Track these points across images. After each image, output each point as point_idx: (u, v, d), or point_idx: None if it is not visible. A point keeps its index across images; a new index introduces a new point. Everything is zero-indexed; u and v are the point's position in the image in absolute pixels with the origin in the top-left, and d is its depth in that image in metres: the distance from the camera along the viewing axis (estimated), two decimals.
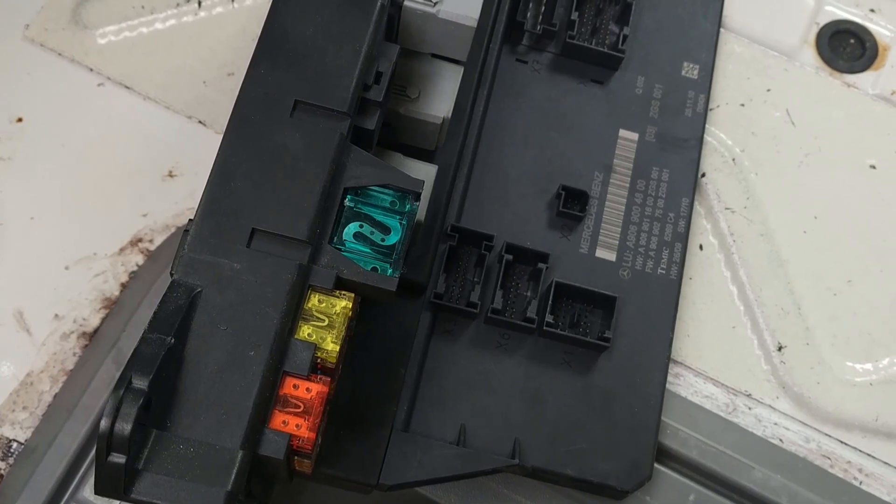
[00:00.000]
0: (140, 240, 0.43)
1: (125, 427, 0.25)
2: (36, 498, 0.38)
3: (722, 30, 0.48)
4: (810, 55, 0.49)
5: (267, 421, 0.29)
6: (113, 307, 0.41)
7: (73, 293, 0.41)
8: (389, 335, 0.38)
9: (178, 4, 0.47)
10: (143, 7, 0.47)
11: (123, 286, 0.42)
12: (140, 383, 0.26)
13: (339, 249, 0.31)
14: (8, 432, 0.39)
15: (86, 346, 0.41)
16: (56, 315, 0.41)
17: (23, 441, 0.39)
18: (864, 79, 0.49)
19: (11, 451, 0.39)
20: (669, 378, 0.41)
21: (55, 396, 0.40)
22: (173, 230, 0.43)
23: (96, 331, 0.41)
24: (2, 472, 0.38)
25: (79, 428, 0.39)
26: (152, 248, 0.43)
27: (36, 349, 0.40)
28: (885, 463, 0.41)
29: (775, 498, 0.40)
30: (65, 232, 0.43)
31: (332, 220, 0.31)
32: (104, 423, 0.25)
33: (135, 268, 0.42)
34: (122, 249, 0.43)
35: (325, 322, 0.30)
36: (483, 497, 0.39)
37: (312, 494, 0.41)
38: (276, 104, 0.32)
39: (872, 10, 0.50)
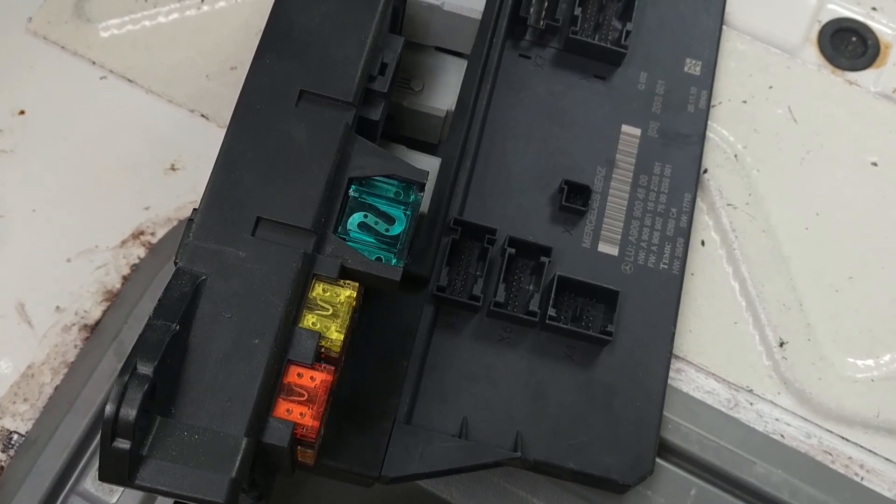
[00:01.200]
0: (142, 233, 0.43)
1: (130, 413, 0.25)
2: (36, 490, 0.38)
3: (724, 27, 0.48)
4: (812, 53, 0.49)
5: (271, 409, 0.28)
6: (114, 300, 0.41)
7: (74, 285, 0.41)
8: (392, 328, 0.38)
9: None
10: (146, 0, 0.47)
11: (125, 279, 0.42)
12: (145, 369, 0.26)
13: (344, 239, 0.31)
14: (9, 424, 0.39)
15: (87, 338, 0.41)
16: (57, 307, 0.41)
17: (23, 433, 0.39)
18: (865, 76, 0.49)
19: (12, 443, 0.39)
20: (671, 373, 0.41)
21: (56, 389, 0.40)
22: (175, 223, 0.43)
23: (97, 323, 0.41)
24: (2, 463, 0.38)
25: (79, 420, 0.39)
26: (154, 241, 0.43)
27: (37, 341, 0.40)
28: (887, 459, 0.41)
29: (776, 493, 0.40)
30: (66, 224, 0.43)
31: (336, 210, 0.31)
32: (109, 409, 0.25)
33: (136, 260, 0.42)
34: (123, 242, 0.43)
35: (330, 311, 0.30)
36: (484, 491, 0.39)
37: (314, 488, 0.41)
38: (282, 94, 0.32)
39: (874, 9, 0.50)
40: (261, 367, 0.28)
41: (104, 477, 0.26)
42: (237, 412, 0.27)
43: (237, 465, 0.27)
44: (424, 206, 0.38)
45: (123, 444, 0.25)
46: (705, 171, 0.45)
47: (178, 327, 0.27)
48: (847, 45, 0.49)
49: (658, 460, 0.39)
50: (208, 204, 0.30)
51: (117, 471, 0.26)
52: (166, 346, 0.27)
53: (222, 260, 0.29)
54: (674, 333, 0.40)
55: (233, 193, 0.30)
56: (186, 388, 0.28)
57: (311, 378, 0.29)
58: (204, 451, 0.27)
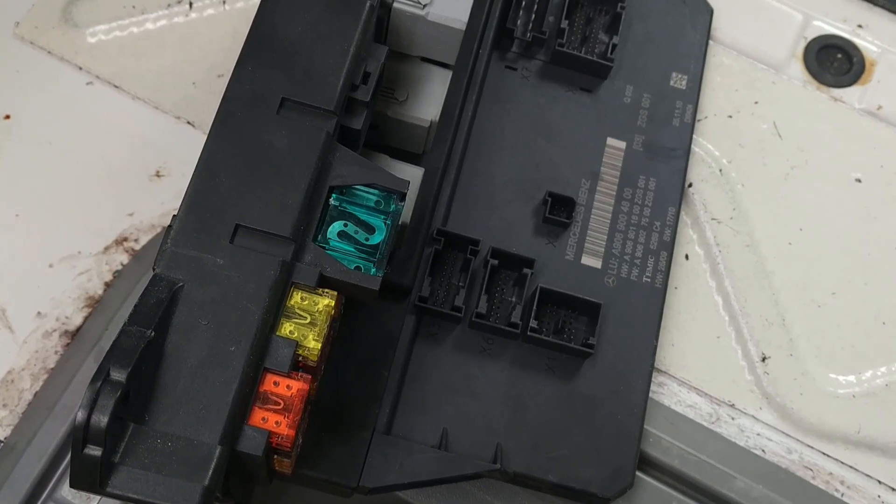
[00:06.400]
0: (125, 239, 0.43)
1: (101, 419, 0.25)
2: (14, 495, 0.37)
3: (711, 42, 0.48)
4: (798, 69, 0.49)
5: (246, 417, 0.28)
6: (96, 306, 0.41)
7: (56, 291, 0.41)
8: (373, 337, 0.38)
9: (168, 5, 0.47)
10: (133, 7, 0.47)
11: (107, 285, 0.42)
12: (118, 376, 0.26)
13: (323, 247, 0.31)
14: None
15: (68, 344, 0.40)
16: (39, 313, 0.41)
17: (2, 439, 0.39)
18: (850, 93, 0.49)
19: None
20: (653, 387, 0.41)
21: (36, 394, 0.39)
22: (159, 230, 0.43)
23: (79, 329, 0.41)
24: None
25: (58, 426, 0.39)
26: (137, 247, 0.42)
27: (18, 347, 0.40)
28: (867, 475, 0.41)
29: None
30: (50, 230, 0.43)
31: (316, 218, 0.31)
32: (80, 415, 0.25)
33: (119, 267, 0.42)
34: (106, 248, 0.42)
35: (308, 320, 0.30)
36: (464, 502, 0.39)
37: (292, 497, 0.40)
38: (263, 101, 0.32)
39: (860, 26, 0.50)
40: (236, 375, 0.28)
41: (75, 484, 0.26)
42: (211, 420, 0.27)
43: (210, 473, 0.27)
44: (407, 215, 0.38)
45: (95, 451, 0.25)
46: (690, 185, 0.45)
47: (153, 334, 0.27)
48: (832, 61, 0.50)
49: (638, 474, 0.39)
50: (187, 211, 0.30)
51: (88, 478, 0.26)
52: (141, 352, 0.27)
53: (200, 267, 0.29)
54: (656, 347, 0.40)
55: (212, 200, 0.30)
56: (161, 395, 0.27)
57: (288, 387, 0.29)
58: (177, 458, 0.26)
